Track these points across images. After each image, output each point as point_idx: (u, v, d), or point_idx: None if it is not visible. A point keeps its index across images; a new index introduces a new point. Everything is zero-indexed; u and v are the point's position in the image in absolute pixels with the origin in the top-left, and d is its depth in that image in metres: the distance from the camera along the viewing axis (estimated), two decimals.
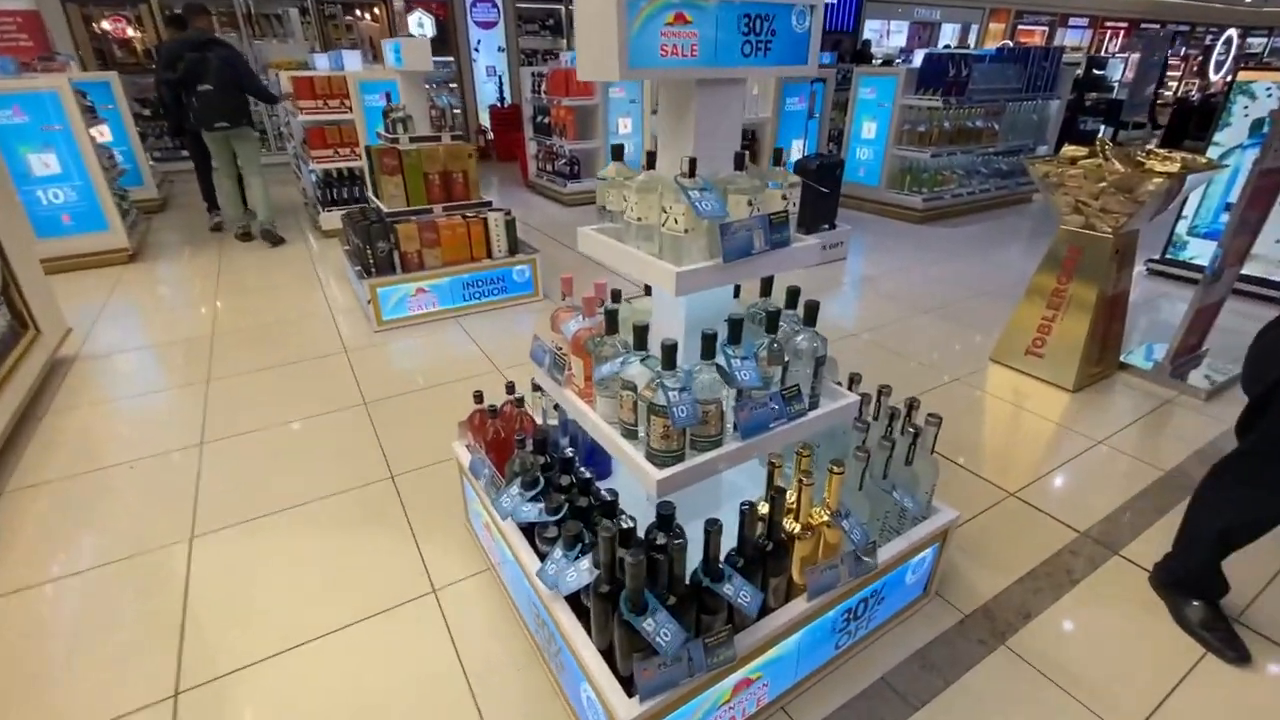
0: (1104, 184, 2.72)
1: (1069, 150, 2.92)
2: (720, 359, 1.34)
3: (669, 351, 1.27)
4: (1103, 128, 7.98)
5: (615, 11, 1.14)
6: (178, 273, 4.88)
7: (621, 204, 1.47)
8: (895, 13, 14.45)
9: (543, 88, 6.99)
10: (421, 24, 9.67)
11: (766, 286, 1.63)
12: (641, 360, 1.36)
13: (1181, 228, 4.57)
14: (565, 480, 1.57)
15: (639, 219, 1.42)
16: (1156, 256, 4.70)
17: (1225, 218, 4.27)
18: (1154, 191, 2.61)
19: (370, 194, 4.23)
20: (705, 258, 1.36)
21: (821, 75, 4.74)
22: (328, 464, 2.49)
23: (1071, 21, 18.03)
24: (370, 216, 3.77)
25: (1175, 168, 2.60)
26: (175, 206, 7.01)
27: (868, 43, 12.16)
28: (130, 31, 7.96)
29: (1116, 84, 11.35)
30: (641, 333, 1.38)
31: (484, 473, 1.81)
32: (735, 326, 1.36)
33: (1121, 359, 3.26)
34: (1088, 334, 2.97)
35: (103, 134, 6.11)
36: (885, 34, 14.60)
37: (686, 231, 1.30)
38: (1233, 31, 9.85)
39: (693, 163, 1.29)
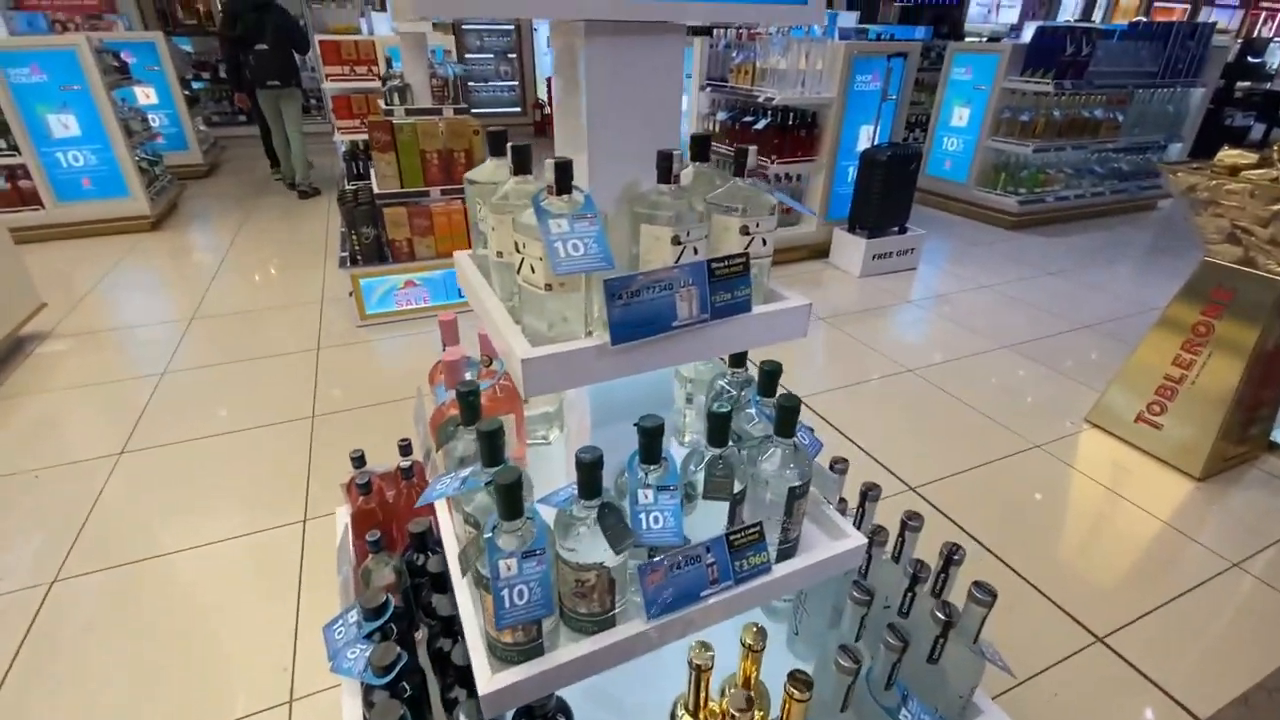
0: (1271, 209, 1.93)
1: (1228, 156, 2.13)
2: (639, 476, 0.81)
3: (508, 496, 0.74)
4: (1253, 124, 6.64)
5: None
6: (192, 243, 4.71)
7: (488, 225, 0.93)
8: None
9: None
10: None
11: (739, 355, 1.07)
12: (489, 483, 0.84)
13: None
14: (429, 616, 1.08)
15: (498, 253, 0.89)
16: None
17: None
18: None
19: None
20: (584, 328, 0.81)
21: (903, 49, 3.95)
22: (239, 496, 2.11)
23: (1219, 1, 15.65)
24: (359, 198, 3.38)
25: None
26: (224, 172, 6.96)
27: (959, 22, 10.82)
28: None
29: (1276, 73, 9.64)
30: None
31: (343, 569, 1.35)
32: (650, 440, 0.81)
33: (1273, 438, 2.45)
34: (1232, 403, 2.19)
35: (147, 96, 6.06)
36: (995, 8, 13.03)
37: (548, 288, 0.76)
38: None
39: (562, 169, 0.74)
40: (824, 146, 4.13)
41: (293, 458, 2.30)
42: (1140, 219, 5.71)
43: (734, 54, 4.22)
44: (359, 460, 1.45)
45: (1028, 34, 5.17)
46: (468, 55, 9.49)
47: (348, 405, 2.63)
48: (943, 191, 5.81)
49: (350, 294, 3.32)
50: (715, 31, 4.47)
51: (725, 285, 0.81)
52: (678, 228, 0.78)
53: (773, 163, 4.04)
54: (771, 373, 1.00)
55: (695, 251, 0.81)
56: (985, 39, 9.81)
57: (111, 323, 3.41)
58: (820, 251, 4.49)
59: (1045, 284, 4.15)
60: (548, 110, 9.49)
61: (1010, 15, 13.30)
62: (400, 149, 3.31)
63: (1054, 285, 4.12)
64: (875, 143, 4.13)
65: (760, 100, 3.95)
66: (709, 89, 4.56)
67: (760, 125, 4.08)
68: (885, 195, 4.05)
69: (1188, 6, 15.65)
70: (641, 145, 0.84)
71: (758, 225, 0.85)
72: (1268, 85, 7.35)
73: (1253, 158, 2.09)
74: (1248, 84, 6.72)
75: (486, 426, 0.81)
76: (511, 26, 9.58)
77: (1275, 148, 2.05)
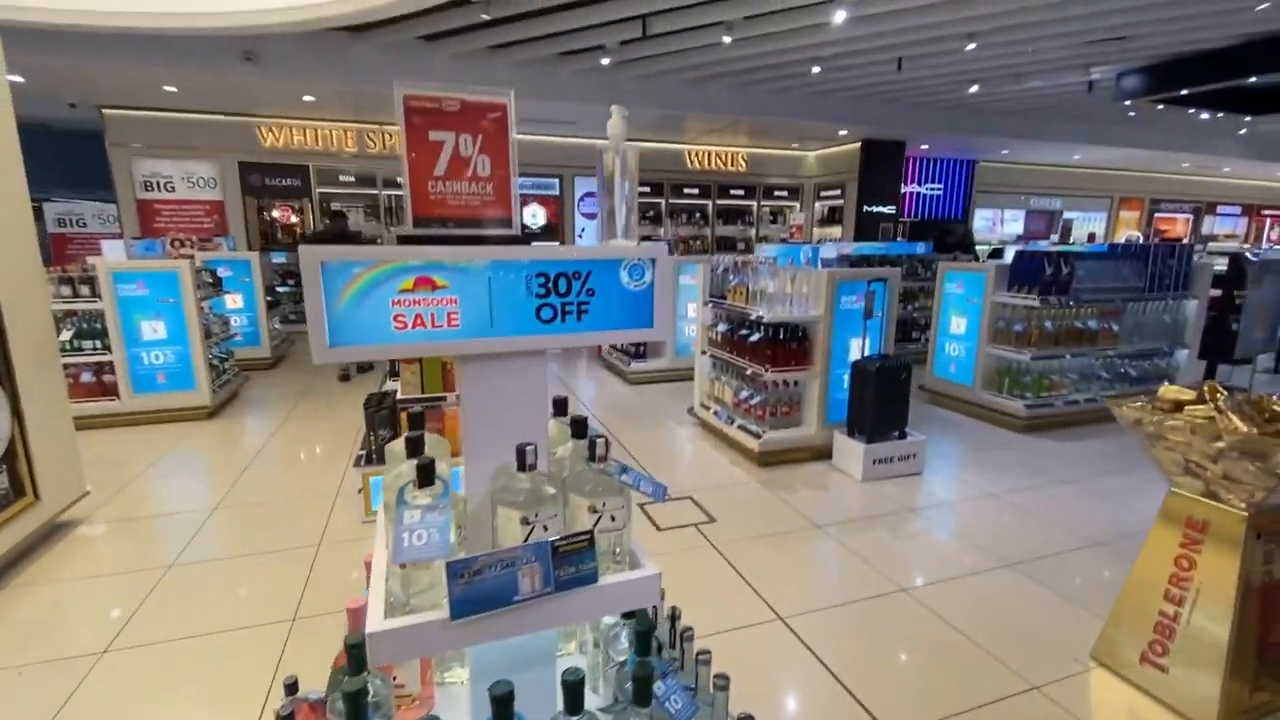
0: (1221, 445, 1.98)
1: (1169, 391, 2.22)
2: None
3: None
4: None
5: (314, 278, 0.87)
6: (240, 431, 5.15)
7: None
8: (1008, 201, 14.17)
9: None
10: (535, 215, 10.78)
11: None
12: None
13: None
14: None
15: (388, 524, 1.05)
16: None
17: None
18: None
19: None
20: (441, 599, 0.93)
21: (883, 275, 4.38)
22: (201, 709, 2.12)
23: (1220, 209, 16.69)
24: (382, 404, 3.74)
25: None
26: (288, 363, 7.77)
27: (969, 232, 11.83)
28: (293, 218, 9.57)
29: None
30: None
31: None
32: (501, 709, 0.88)
33: None
34: (1230, 644, 2.03)
35: (234, 301, 7.04)
36: (999, 221, 14.24)
37: (401, 565, 0.90)
38: None
39: (423, 468, 0.92)
40: (816, 357, 4.41)
41: (259, 673, 2.33)
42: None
43: (730, 277, 4.75)
44: (291, 687, 1.50)
45: (1014, 250, 5.63)
46: None
47: (328, 609, 2.69)
48: (952, 394, 5.94)
49: (359, 490, 3.54)
50: (715, 258, 5.07)
51: (570, 560, 0.93)
52: (526, 510, 0.93)
53: (767, 371, 4.32)
54: (643, 633, 1.07)
55: (545, 529, 0.95)
56: (993, 246, 10.64)
57: (143, 511, 3.68)
58: (823, 453, 4.57)
59: (1054, 493, 4.05)
60: None
61: (1015, 227, 14.44)
62: (425, 360, 3.74)
63: (1064, 494, 4.02)
64: (864, 354, 4.38)
65: (752, 318, 4.36)
66: (711, 304, 5.05)
67: (754, 338, 4.43)
68: (879, 403, 4.21)
69: (1190, 217, 16.69)
70: (513, 439, 1.02)
71: (604, 505, 0.99)
72: None
73: (1191, 394, 2.19)
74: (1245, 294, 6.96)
75: (349, 687, 0.90)
76: (558, 244, 10.94)
77: (1207, 385, 2.15)
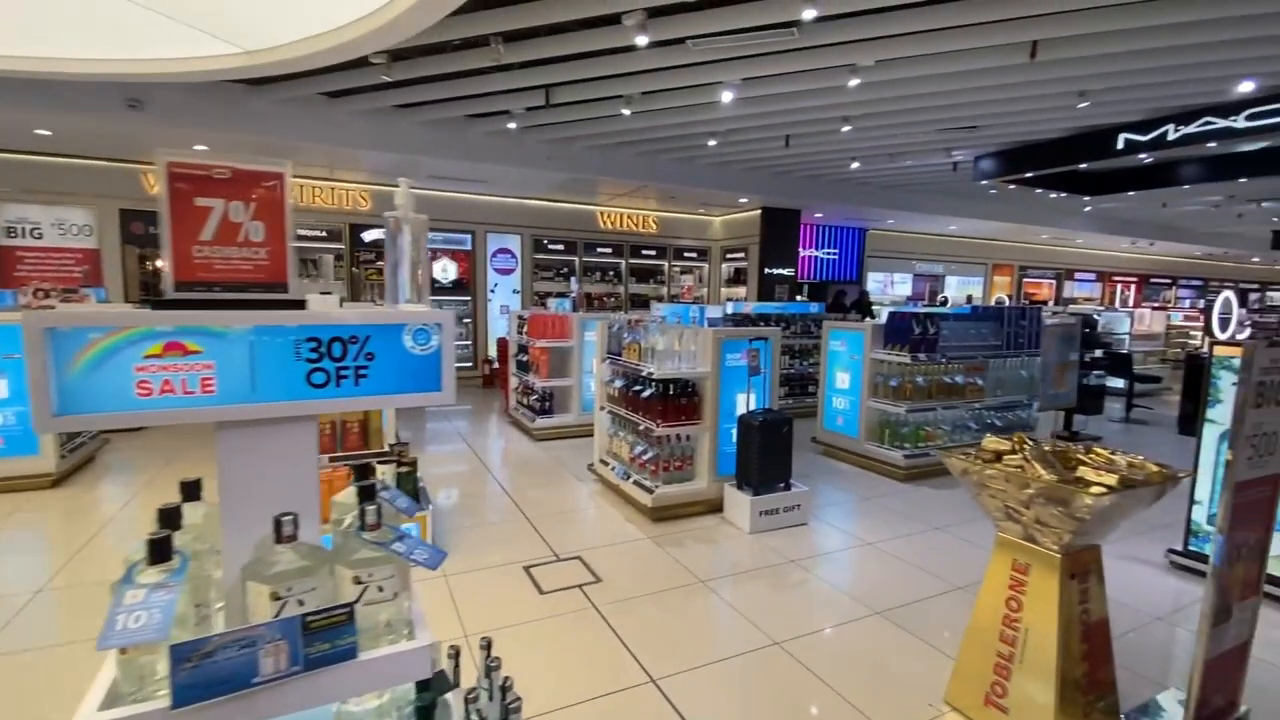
0: (1030, 491, 2.17)
1: (990, 442, 2.44)
2: None
3: None
4: (1106, 380, 7.57)
5: (37, 345, 0.82)
6: (88, 500, 4.63)
7: None
8: (899, 265, 15.40)
9: (524, 329, 7.24)
10: (445, 270, 10.68)
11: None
12: None
13: (1199, 514, 3.82)
14: None
15: None
16: (1178, 547, 3.89)
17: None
18: (1094, 509, 2.04)
19: None
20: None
21: (765, 335, 4.62)
22: None
23: (1079, 274, 18.84)
24: None
25: (1113, 480, 2.06)
26: (167, 431, 7.14)
27: (865, 293, 12.72)
28: None
29: (1127, 337, 11.25)
30: None
31: None
32: None
33: (1124, 715, 2.38)
34: (1057, 685, 2.18)
35: None
36: (890, 284, 15.40)
37: (122, 651, 0.83)
38: (1230, 294, 9.77)
39: (156, 544, 0.87)
40: (705, 412, 4.53)
41: None
42: None
43: (625, 335, 4.85)
44: None
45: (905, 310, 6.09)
46: None
47: None
48: (841, 445, 6.23)
49: None
50: (612, 316, 5.19)
51: (324, 636, 0.90)
52: (277, 584, 0.89)
53: (658, 426, 4.38)
54: (422, 709, 1.03)
55: (301, 603, 0.91)
56: (887, 305, 11.46)
57: None
58: (716, 507, 4.63)
59: (927, 540, 4.27)
60: (496, 366, 10.29)
61: (905, 289, 15.64)
62: None
63: (935, 541, 4.25)
64: (749, 409, 4.55)
65: (644, 374, 4.45)
66: (608, 361, 5.12)
67: (646, 394, 4.51)
68: (763, 456, 4.35)
69: (1053, 282, 18.71)
70: (279, 508, 0.99)
71: (370, 575, 0.96)
72: (1109, 349, 8.57)
73: (1008, 445, 2.41)
74: (1099, 351, 7.81)
75: None
76: (469, 298, 10.85)
77: (1017, 437, 2.37)
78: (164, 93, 6.56)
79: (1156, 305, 16.76)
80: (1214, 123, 6.18)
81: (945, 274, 16.21)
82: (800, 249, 13.04)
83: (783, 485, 4.49)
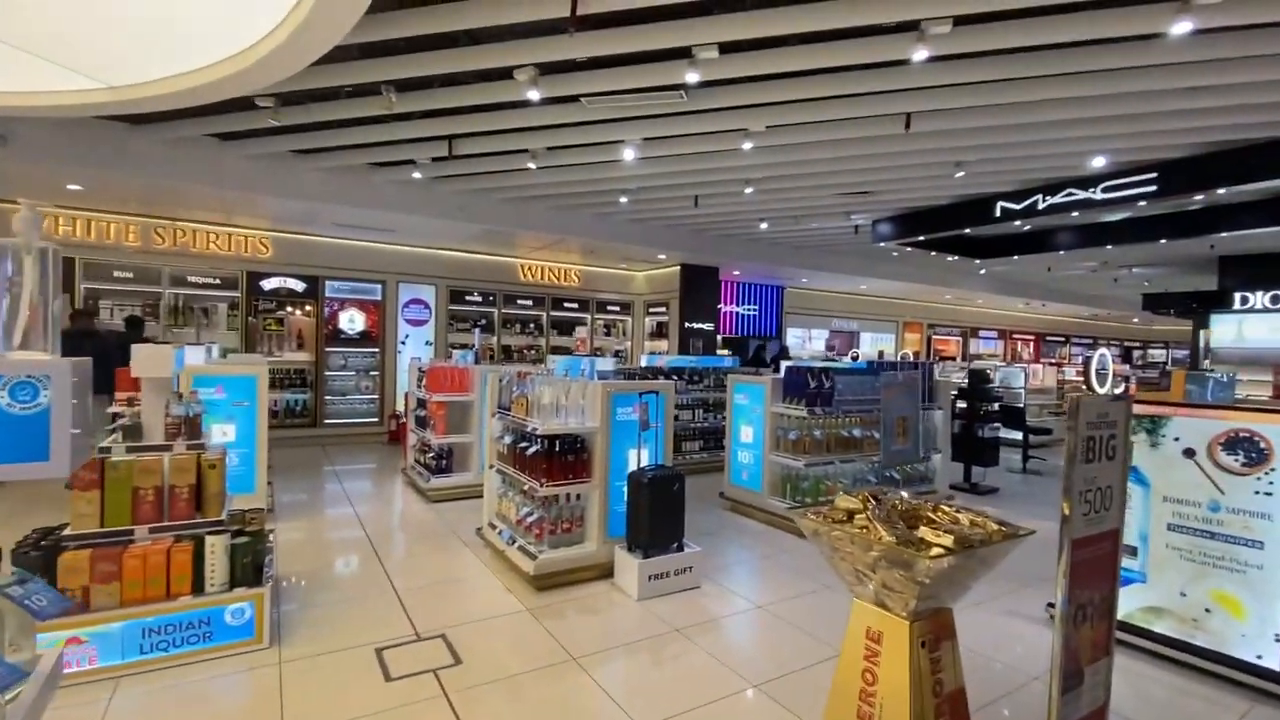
0: (874, 554, 2.07)
1: (843, 500, 2.36)
2: None
3: None
4: (1000, 432, 7.88)
5: None
6: None
7: None
8: (816, 322, 15.97)
9: (423, 382, 6.90)
10: (352, 320, 10.22)
11: None
12: None
13: None
14: None
15: None
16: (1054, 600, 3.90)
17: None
18: (933, 570, 1.95)
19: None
20: None
21: (656, 388, 4.51)
22: None
23: (982, 332, 20.09)
24: (40, 541, 3.01)
25: (949, 541, 1.99)
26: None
27: (785, 348, 13.04)
28: None
29: (1022, 391, 11.88)
30: None
31: None
32: None
33: None
34: None
35: None
36: (808, 339, 15.90)
37: None
38: (1105, 350, 10.56)
39: None
40: (595, 469, 4.33)
41: None
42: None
43: (514, 388, 4.64)
44: None
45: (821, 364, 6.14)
46: (327, 372, 9.98)
47: None
48: (746, 500, 6.12)
49: None
50: (502, 369, 4.98)
51: None
52: None
53: (542, 485, 4.14)
54: None
55: None
56: (806, 360, 11.73)
57: None
58: (607, 571, 4.37)
59: (818, 600, 4.14)
60: (402, 420, 9.76)
61: (819, 345, 16.17)
62: (108, 486, 3.10)
63: (827, 601, 4.12)
64: (641, 465, 4.38)
65: (528, 429, 4.23)
66: (498, 416, 4.87)
67: (531, 450, 4.28)
68: (653, 515, 4.15)
69: (960, 339, 19.84)
70: None
71: None
72: (1000, 401, 8.97)
73: (859, 502, 2.32)
74: (990, 404, 8.14)
75: None
76: (376, 350, 10.37)
77: (861, 495, 2.30)
78: (31, 128, 6.07)
79: (1051, 361, 18.01)
80: (1075, 194, 6.76)
81: (859, 330, 16.91)
82: (721, 304, 13.32)
83: (675, 546, 4.30)
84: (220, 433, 5.11)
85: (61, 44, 3.86)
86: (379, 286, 10.36)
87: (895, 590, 2.08)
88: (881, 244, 9.58)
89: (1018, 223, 7.91)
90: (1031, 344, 21.88)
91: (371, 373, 10.35)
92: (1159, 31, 3.77)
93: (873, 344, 16.99)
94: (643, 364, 8.76)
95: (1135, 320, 22.47)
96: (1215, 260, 10.99)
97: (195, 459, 3.30)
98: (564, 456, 4.24)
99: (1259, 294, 10.09)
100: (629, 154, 6.39)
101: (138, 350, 3.35)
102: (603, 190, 8.00)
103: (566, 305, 12.36)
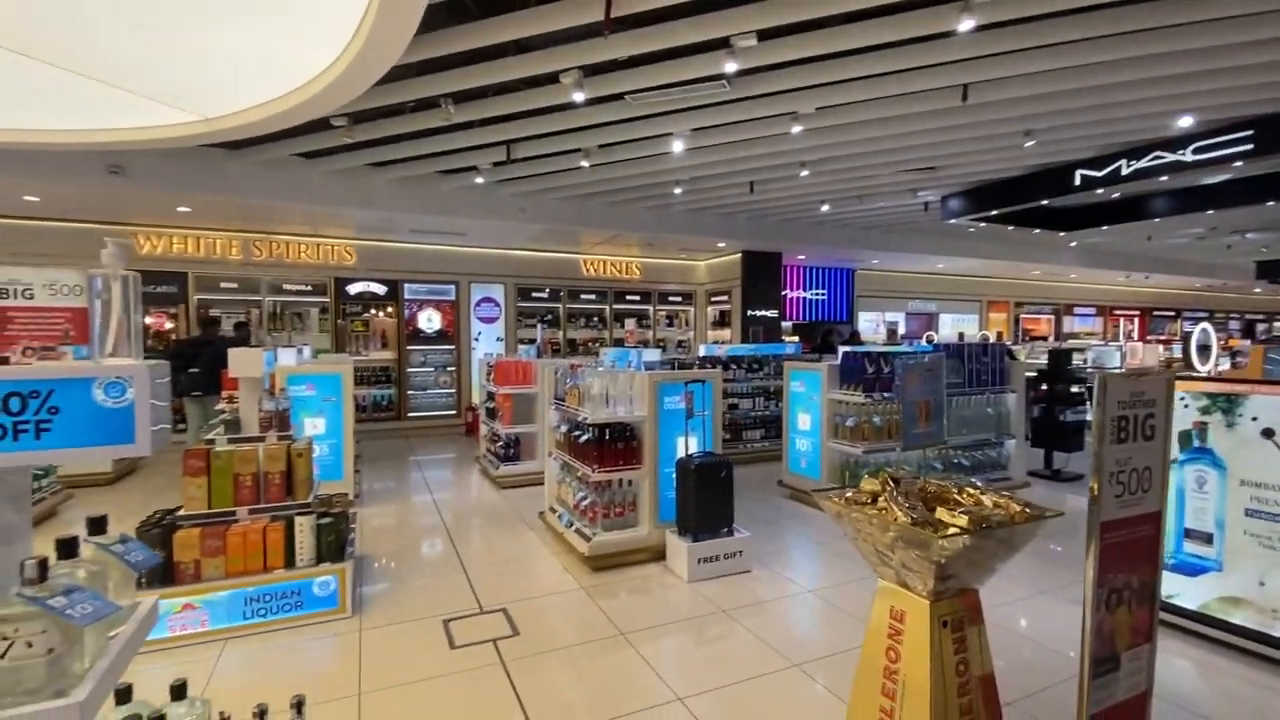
0: (891, 534, 2.11)
1: (868, 483, 2.38)
2: None
3: None
4: (1086, 416, 7.37)
5: None
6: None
7: None
8: (890, 304, 15.39)
9: (491, 376, 7.29)
10: (430, 319, 10.86)
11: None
12: None
13: None
14: None
15: None
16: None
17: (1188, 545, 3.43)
18: (949, 551, 1.97)
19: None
20: None
21: (703, 377, 4.60)
22: None
23: (1077, 309, 18.66)
24: (161, 521, 3.51)
25: (964, 521, 1.99)
26: (135, 478, 7.20)
27: (856, 333, 12.68)
28: (167, 324, 9.30)
29: (1116, 371, 11.01)
30: None
31: None
32: None
33: None
34: None
35: None
36: (880, 323, 15.35)
37: None
38: (1207, 325, 9.57)
39: None
40: (645, 456, 4.49)
41: None
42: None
43: (567, 380, 4.87)
44: None
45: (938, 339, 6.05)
46: (408, 369, 10.69)
47: None
48: (804, 488, 6.09)
49: None
50: (557, 362, 5.22)
51: None
52: None
53: (594, 470, 4.34)
54: None
55: None
56: (879, 344, 11.40)
57: None
58: (659, 554, 4.53)
59: (870, 585, 4.10)
60: (477, 412, 10.32)
61: (900, 328, 15.54)
62: (214, 473, 3.57)
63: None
64: (689, 452, 4.49)
65: (579, 419, 4.44)
66: (554, 406, 5.12)
67: (584, 439, 4.49)
68: (701, 501, 4.27)
69: (1052, 317, 18.53)
70: None
71: (16, 631, 0.96)
72: (1088, 384, 8.37)
73: (880, 485, 2.34)
74: (1078, 385, 7.64)
75: None
76: (452, 347, 10.99)
77: (883, 475, 2.32)
78: (142, 159, 6.88)
79: (1160, 338, 16.48)
80: (1164, 157, 6.21)
81: (939, 311, 16.14)
82: (787, 290, 13.12)
83: (725, 531, 4.39)
84: (311, 426, 5.65)
85: (158, 79, 4.40)
86: (452, 287, 10.95)
87: (914, 570, 2.11)
88: (953, 220, 9.15)
89: (1100, 191, 7.35)
90: (1136, 319, 20.09)
91: (448, 368, 10.98)
92: None
93: (954, 326, 16.17)
94: (701, 353, 8.81)
95: (1258, 290, 20.15)
96: None
97: (285, 449, 3.72)
98: (614, 444, 4.42)
99: None
100: (678, 146, 6.46)
101: (234, 354, 3.80)
102: (657, 183, 8.11)
103: (629, 298, 12.58)
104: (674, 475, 4.51)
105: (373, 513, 5.81)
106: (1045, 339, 16.77)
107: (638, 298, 12.68)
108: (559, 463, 5.13)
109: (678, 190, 8.35)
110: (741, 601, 3.89)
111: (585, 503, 4.55)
